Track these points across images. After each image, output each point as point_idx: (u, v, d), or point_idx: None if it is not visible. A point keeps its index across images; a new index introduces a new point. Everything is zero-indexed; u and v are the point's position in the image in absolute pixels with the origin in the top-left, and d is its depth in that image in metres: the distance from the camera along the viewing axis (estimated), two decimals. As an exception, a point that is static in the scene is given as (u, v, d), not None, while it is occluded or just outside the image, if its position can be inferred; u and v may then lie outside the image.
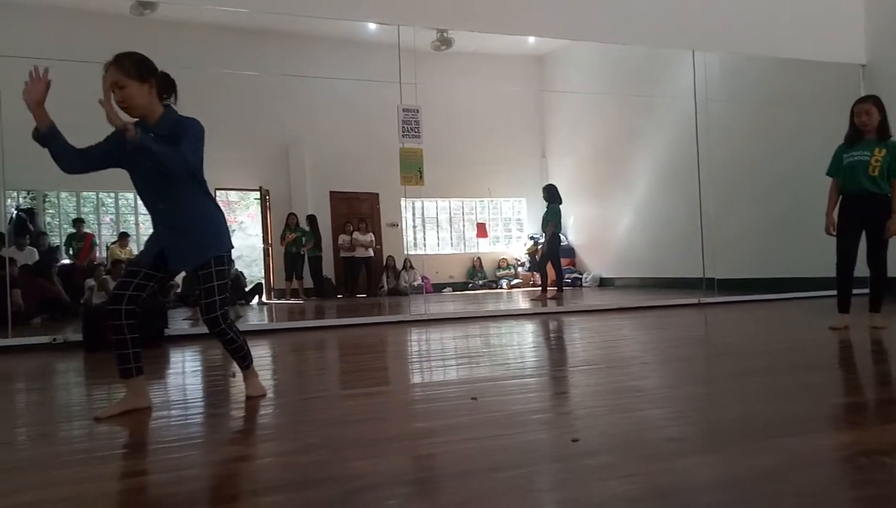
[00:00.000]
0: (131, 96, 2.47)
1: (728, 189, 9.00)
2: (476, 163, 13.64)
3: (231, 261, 2.74)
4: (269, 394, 2.94)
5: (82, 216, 11.09)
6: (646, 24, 7.20)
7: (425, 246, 13.94)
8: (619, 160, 12.00)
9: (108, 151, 2.58)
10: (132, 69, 2.48)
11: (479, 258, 13.93)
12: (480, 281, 13.49)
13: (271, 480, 1.77)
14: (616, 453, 1.85)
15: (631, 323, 5.76)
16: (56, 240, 10.60)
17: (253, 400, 2.82)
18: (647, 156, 11.30)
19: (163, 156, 2.39)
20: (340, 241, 12.17)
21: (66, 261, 9.75)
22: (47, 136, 2.45)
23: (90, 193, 11.74)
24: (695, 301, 7.38)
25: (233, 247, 2.76)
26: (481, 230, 14.33)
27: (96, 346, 4.78)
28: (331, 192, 12.95)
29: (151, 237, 2.70)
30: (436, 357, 4.32)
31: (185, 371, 4.12)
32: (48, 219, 11.16)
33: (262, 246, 12.76)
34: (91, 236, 10.52)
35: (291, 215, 11.77)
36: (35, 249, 8.83)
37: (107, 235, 11.51)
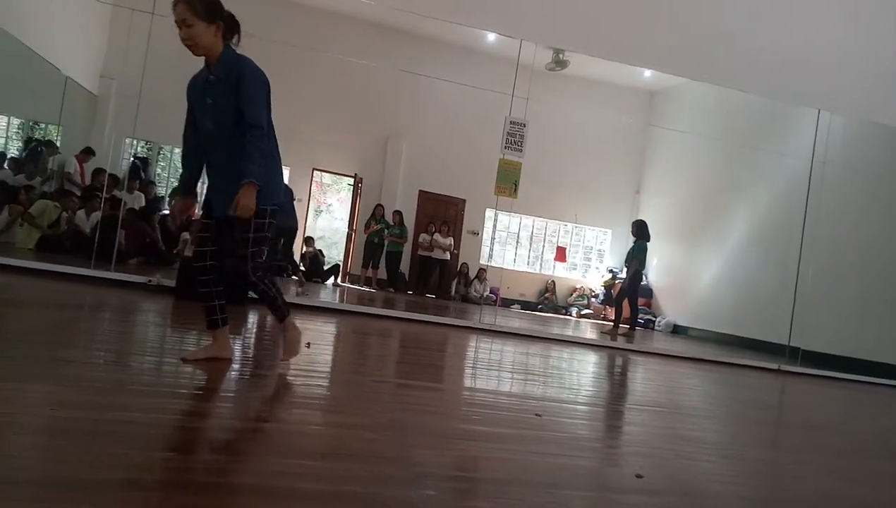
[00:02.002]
0: (198, 35, 2.43)
1: (832, 259, 8.53)
2: (568, 187, 13.56)
3: (272, 216, 2.61)
4: (328, 368, 3.05)
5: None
6: (772, 75, 6.96)
7: (503, 260, 13.94)
8: (715, 208, 11.61)
9: (194, 121, 2.64)
10: (201, 8, 2.43)
11: (553, 281, 13.80)
12: (550, 305, 13.36)
13: (341, 448, 1.85)
14: (682, 497, 1.82)
15: (702, 375, 5.57)
16: (162, 190, 11.29)
17: (286, 359, 2.87)
18: (746, 209, 10.88)
19: (261, 154, 2.48)
20: (420, 240, 12.35)
21: (167, 212, 10.37)
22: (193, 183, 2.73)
23: (199, 151, 12.43)
24: (775, 366, 7.05)
25: (277, 203, 2.64)
26: (561, 254, 14.20)
27: (186, 294, 5.07)
28: (420, 191, 13.17)
29: (208, 187, 2.68)
30: (501, 367, 4.33)
31: (260, 331, 4.31)
32: (158, 171, 11.91)
33: (346, 230, 13.12)
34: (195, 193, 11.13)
35: (379, 206, 12.05)
36: (143, 195, 9.44)
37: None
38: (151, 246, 8.26)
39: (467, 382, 3.57)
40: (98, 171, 9.22)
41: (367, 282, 11.75)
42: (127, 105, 9.94)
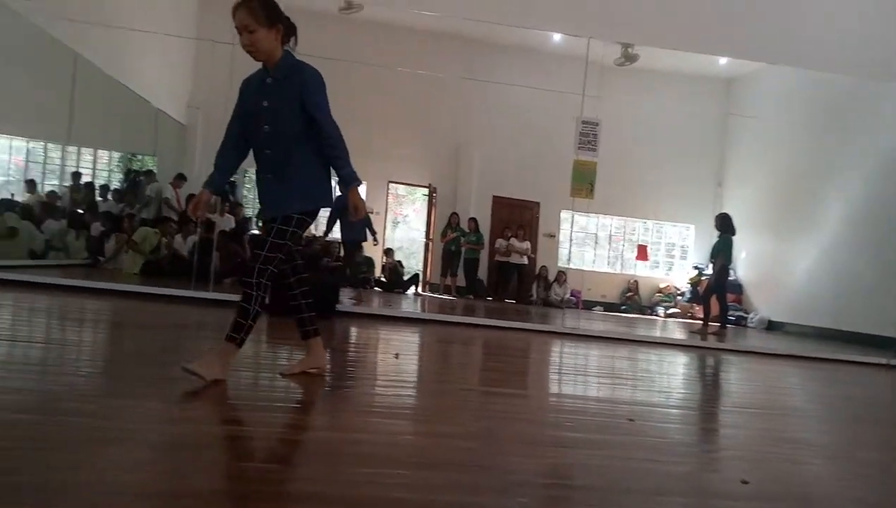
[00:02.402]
0: (259, 40, 2.44)
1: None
2: (645, 184, 13.19)
3: (298, 225, 2.56)
4: (415, 378, 3.10)
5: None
6: (856, 51, 6.55)
7: (583, 261, 13.72)
8: (805, 196, 10.99)
9: (242, 120, 2.62)
10: (262, 13, 2.42)
11: (635, 281, 13.45)
12: (634, 305, 13.03)
13: (434, 457, 1.89)
14: (793, 502, 1.75)
15: (802, 374, 5.29)
16: (249, 211, 11.83)
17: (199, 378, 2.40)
18: (840, 196, 10.24)
19: (346, 153, 2.56)
20: (497, 245, 12.35)
21: (255, 232, 10.85)
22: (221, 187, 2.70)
23: (281, 172, 12.98)
24: (883, 361, 6.59)
25: (311, 208, 2.61)
26: (642, 252, 13.83)
27: (278, 311, 5.30)
28: (494, 196, 13.18)
29: (260, 194, 2.69)
30: (588, 372, 4.28)
31: (350, 344, 4.45)
32: (244, 193, 12.49)
33: (424, 240, 13.30)
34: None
35: (454, 214, 12.15)
36: (232, 217, 9.94)
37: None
38: (243, 265, 8.66)
39: (553, 388, 3.55)
40: (191, 197, 9.78)
41: (447, 291, 11.85)
42: (213, 132, 10.54)
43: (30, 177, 8.47)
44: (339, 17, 10.54)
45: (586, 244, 13.95)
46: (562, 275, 12.41)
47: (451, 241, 11.92)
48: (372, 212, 12.84)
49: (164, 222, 8.94)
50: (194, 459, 1.67)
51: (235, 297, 5.77)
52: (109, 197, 9.70)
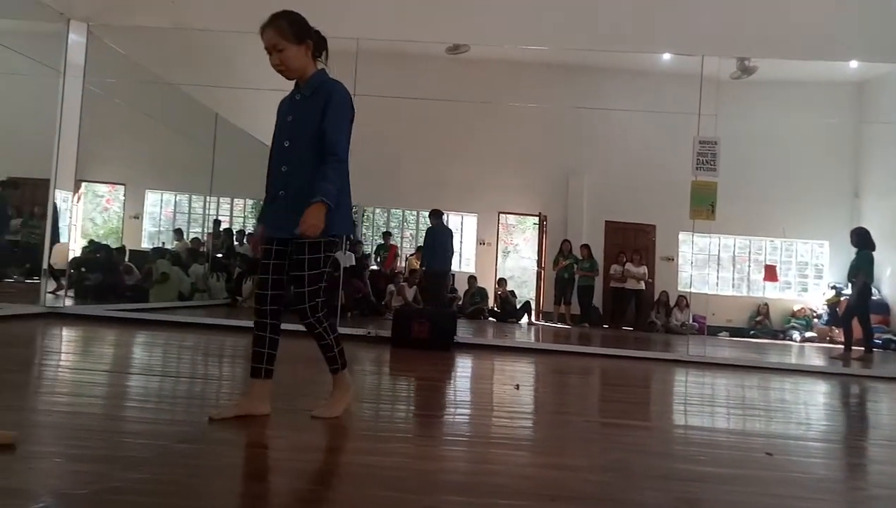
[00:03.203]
0: (289, 59, 2.37)
1: None
2: (770, 200, 12.44)
3: (329, 248, 2.41)
4: (540, 409, 3.12)
5: (390, 230, 12.84)
6: None
7: (706, 284, 13.09)
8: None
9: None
10: (289, 30, 2.35)
11: (765, 304, 12.64)
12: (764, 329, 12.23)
13: (566, 490, 1.92)
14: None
15: (970, 404, 4.75)
16: (367, 248, 12.40)
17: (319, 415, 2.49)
18: None
19: (340, 178, 2.35)
20: (612, 271, 12.10)
21: (374, 267, 11.34)
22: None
23: (397, 210, 13.53)
24: None
25: (338, 234, 2.43)
26: (770, 273, 12.98)
27: (401, 343, 5.53)
28: (606, 221, 12.96)
29: (264, 209, 2.53)
30: (714, 402, 4.11)
31: (470, 375, 4.55)
32: (363, 230, 13.12)
33: (536, 269, 13.28)
34: (395, 247, 12.11)
35: (566, 241, 12.06)
36: (353, 254, 10.47)
37: (407, 248, 13.14)
38: (364, 299, 9.08)
39: (679, 419, 3.45)
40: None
41: (561, 319, 11.73)
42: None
43: (177, 227, 9.42)
44: (448, 58, 10.94)
45: (708, 266, 13.31)
46: (683, 300, 11.92)
47: (565, 269, 11.82)
48: (483, 244, 13.08)
49: (293, 262, 9.58)
50: (348, 489, 1.82)
51: (360, 331, 6.11)
52: (245, 241, 10.56)
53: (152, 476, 1.77)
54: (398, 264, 11.99)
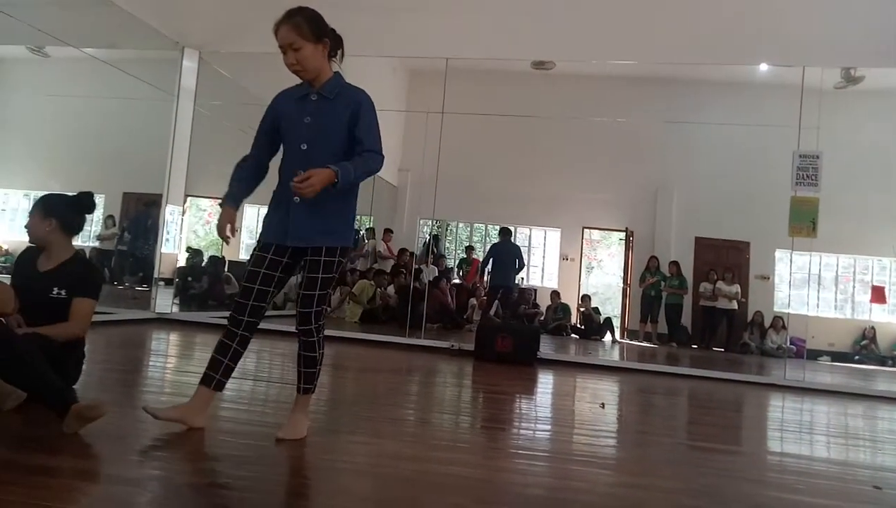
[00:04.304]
0: (306, 58, 2.24)
1: None
2: (878, 217, 11.61)
3: (343, 254, 2.34)
4: (614, 427, 3.07)
5: (472, 244, 12.94)
6: None
7: (806, 306, 12.35)
8: None
9: (269, 136, 2.40)
10: (307, 28, 2.23)
11: (872, 327, 11.78)
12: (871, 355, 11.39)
13: (654, 510, 1.91)
14: None
15: None
16: (450, 262, 12.55)
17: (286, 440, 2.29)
18: None
19: (367, 172, 2.25)
20: (702, 289, 11.65)
21: (456, 281, 11.46)
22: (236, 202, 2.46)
23: (480, 225, 13.63)
24: None
25: (351, 245, 2.41)
26: (878, 294, 12.09)
27: (484, 357, 5.58)
28: (696, 238, 12.51)
29: (270, 215, 2.39)
30: (813, 430, 3.90)
31: (552, 391, 4.53)
32: (447, 245, 13.30)
33: (621, 285, 12.99)
34: (477, 261, 12.19)
35: (653, 258, 11.74)
36: (435, 267, 10.63)
37: (490, 263, 13.23)
38: (446, 312, 9.20)
39: (775, 446, 3.30)
40: (402, 250, 10.68)
41: (647, 337, 11.40)
42: (417, 191, 11.46)
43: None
44: (534, 73, 10.97)
45: (808, 286, 12.57)
46: (779, 321, 11.31)
47: (652, 286, 11.51)
48: (566, 260, 12.94)
49: (379, 275, 9.84)
50: (428, 496, 1.89)
51: (444, 344, 6.21)
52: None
53: (256, 475, 1.90)
54: (479, 278, 12.07)
